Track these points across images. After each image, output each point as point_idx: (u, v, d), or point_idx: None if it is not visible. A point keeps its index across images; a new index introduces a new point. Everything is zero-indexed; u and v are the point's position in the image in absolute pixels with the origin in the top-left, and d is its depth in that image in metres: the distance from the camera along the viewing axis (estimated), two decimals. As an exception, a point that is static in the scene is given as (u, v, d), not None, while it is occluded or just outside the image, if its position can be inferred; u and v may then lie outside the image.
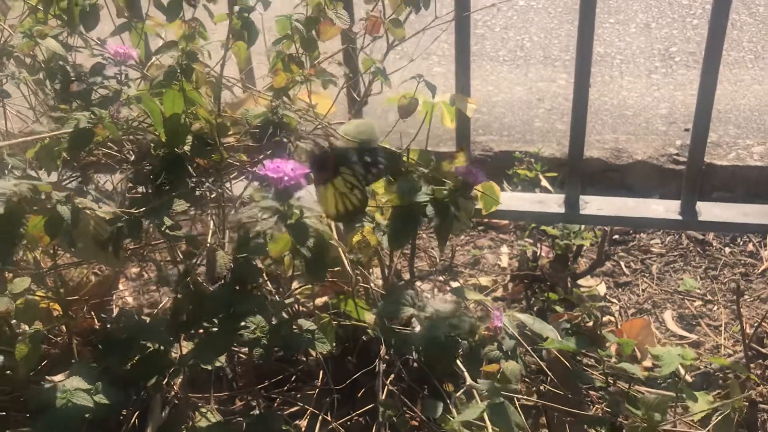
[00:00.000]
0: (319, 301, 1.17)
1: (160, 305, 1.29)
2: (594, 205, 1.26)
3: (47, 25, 1.03)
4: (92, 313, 1.22)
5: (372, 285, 1.10)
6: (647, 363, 1.28)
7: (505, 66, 2.19)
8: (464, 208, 0.89)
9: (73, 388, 0.86)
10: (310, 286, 1.10)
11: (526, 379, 1.10)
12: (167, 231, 0.82)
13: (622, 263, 1.53)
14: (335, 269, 1.04)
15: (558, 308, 1.29)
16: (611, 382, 1.08)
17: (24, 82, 1.01)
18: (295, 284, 1.11)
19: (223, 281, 0.89)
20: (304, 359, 1.13)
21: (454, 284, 1.45)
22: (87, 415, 0.85)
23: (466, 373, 0.83)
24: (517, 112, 1.96)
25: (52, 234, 0.72)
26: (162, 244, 1.16)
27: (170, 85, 0.83)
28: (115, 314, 1.25)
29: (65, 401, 0.85)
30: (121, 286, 1.35)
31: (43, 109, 1.11)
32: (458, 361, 0.87)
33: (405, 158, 0.99)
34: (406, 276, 1.29)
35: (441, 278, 1.45)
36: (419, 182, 0.87)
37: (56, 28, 1.01)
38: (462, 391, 0.85)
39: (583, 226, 1.37)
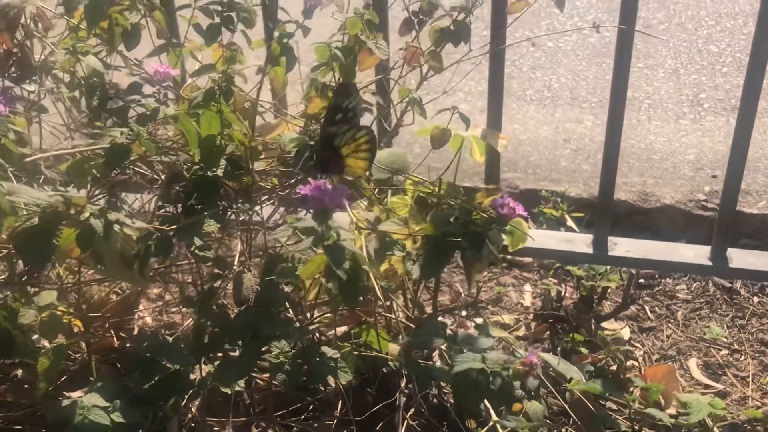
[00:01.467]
0: (339, 330, 1.15)
1: (180, 327, 1.28)
2: (623, 246, 1.24)
3: (87, 43, 1.04)
4: (112, 331, 1.21)
5: (397, 315, 1.08)
6: (671, 410, 1.25)
7: (531, 105, 2.19)
8: (494, 241, 0.88)
9: (90, 404, 0.85)
10: (330, 314, 1.09)
11: (549, 421, 1.08)
12: (197, 251, 0.82)
13: (647, 308, 1.50)
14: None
15: (583, 350, 1.27)
16: (637, 428, 1.06)
17: (62, 98, 1.02)
18: (315, 312, 1.10)
19: (247, 304, 0.89)
20: (323, 389, 1.12)
21: (477, 320, 1.44)
22: (104, 434, 0.84)
23: (491, 410, 0.81)
24: (543, 152, 1.96)
25: (84, 247, 0.72)
26: (185, 265, 1.16)
27: (208, 106, 0.83)
28: (135, 333, 1.24)
29: (82, 418, 0.84)
30: (141, 306, 1.35)
31: (76, 126, 1.12)
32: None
33: (436, 190, 0.99)
34: (428, 310, 1.27)
35: (463, 314, 1.44)
36: (452, 213, 0.86)
37: (96, 47, 1.03)
38: (486, 429, 0.82)
39: (609, 268, 1.35)
